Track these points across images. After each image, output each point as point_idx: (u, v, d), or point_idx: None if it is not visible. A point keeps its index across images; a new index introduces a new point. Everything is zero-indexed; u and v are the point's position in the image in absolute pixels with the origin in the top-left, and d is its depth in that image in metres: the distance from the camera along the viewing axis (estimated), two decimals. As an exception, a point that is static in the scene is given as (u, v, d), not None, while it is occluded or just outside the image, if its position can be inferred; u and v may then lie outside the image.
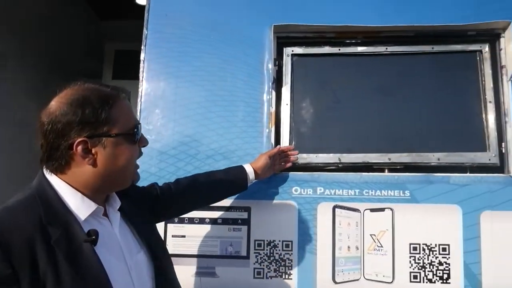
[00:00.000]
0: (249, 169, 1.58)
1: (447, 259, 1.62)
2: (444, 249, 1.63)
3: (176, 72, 1.82)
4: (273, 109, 1.78)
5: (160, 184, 1.46)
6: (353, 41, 1.86)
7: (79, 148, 0.95)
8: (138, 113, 1.81)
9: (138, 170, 1.11)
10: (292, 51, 1.87)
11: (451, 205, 1.64)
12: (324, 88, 1.85)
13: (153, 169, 1.76)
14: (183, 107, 1.80)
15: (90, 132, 0.96)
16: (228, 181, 1.55)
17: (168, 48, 1.84)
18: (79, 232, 0.94)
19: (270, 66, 1.80)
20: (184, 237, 1.71)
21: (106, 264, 0.95)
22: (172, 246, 1.70)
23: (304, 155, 1.78)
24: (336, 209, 1.68)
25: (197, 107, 1.79)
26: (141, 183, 1.74)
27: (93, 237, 0.94)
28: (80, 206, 0.98)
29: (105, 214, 1.06)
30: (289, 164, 1.72)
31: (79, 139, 0.95)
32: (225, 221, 1.70)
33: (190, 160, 1.76)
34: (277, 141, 1.81)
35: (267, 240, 1.68)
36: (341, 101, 1.84)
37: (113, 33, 2.78)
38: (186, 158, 1.76)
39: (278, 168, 1.70)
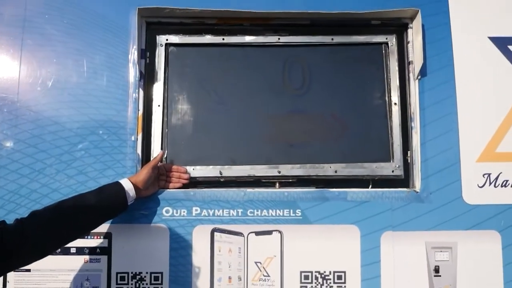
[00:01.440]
0: (127, 184, 1.36)
1: (343, 288, 1.46)
2: (339, 277, 1.47)
3: (16, 65, 1.50)
4: (140, 112, 1.51)
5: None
6: (240, 28, 1.60)
7: None
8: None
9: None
10: (167, 40, 1.60)
11: (348, 225, 1.48)
12: (205, 86, 1.60)
13: (-13, 187, 1.43)
14: (26, 110, 1.49)
15: None
16: (103, 203, 1.32)
17: (6, 32, 1.51)
18: None
19: (137, 58, 1.49)
20: (29, 271, 1.44)
21: None
22: (14, 283, 1.44)
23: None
24: (215, 233, 1.48)
25: (44, 110, 1.49)
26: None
27: None
28: None
29: None
30: (178, 184, 1.51)
31: None
32: (80, 251, 1.45)
33: (36, 176, 1.46)
34: (147, 151, 1.54)
35: (132, 273, 1.45)
36: (225, 102, 1.59)
37: None
38: (30, 174, 1.46)
39: (164, 185, 1.49)
